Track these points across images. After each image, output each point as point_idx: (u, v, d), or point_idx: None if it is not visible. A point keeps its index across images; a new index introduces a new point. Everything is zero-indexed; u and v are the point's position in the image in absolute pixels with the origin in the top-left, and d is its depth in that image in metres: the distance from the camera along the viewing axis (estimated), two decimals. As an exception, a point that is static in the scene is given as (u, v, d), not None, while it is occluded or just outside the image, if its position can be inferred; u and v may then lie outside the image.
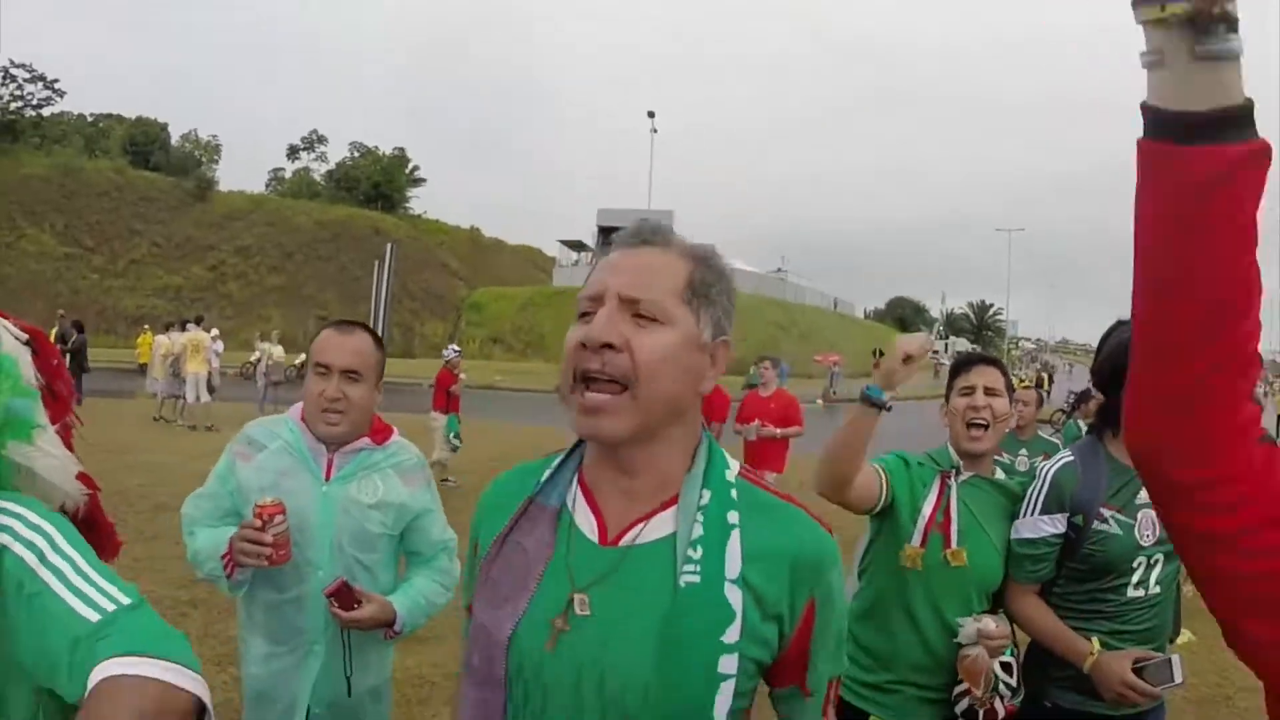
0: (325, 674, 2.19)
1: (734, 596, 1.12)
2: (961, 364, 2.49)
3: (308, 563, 2.16)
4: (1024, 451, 5.76)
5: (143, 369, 23.71)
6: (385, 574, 2.29)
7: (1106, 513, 2.21)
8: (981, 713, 2.17)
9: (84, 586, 1.08)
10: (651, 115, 38.14)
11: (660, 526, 1.17)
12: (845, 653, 1.33)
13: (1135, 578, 2.22)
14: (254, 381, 18.86)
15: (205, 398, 15.44)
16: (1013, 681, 2.20)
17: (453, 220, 73.20)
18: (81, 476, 1.38)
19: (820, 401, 33.44)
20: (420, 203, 75.85)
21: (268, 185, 75.72)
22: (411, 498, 2.29)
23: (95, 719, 0.93)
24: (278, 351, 18.42)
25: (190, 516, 2.30)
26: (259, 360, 19.27)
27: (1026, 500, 2.32)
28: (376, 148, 74.79)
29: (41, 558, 1.09)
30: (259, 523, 1.98)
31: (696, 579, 1.12)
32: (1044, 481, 2.30)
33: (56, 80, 57.49)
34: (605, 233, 57.41)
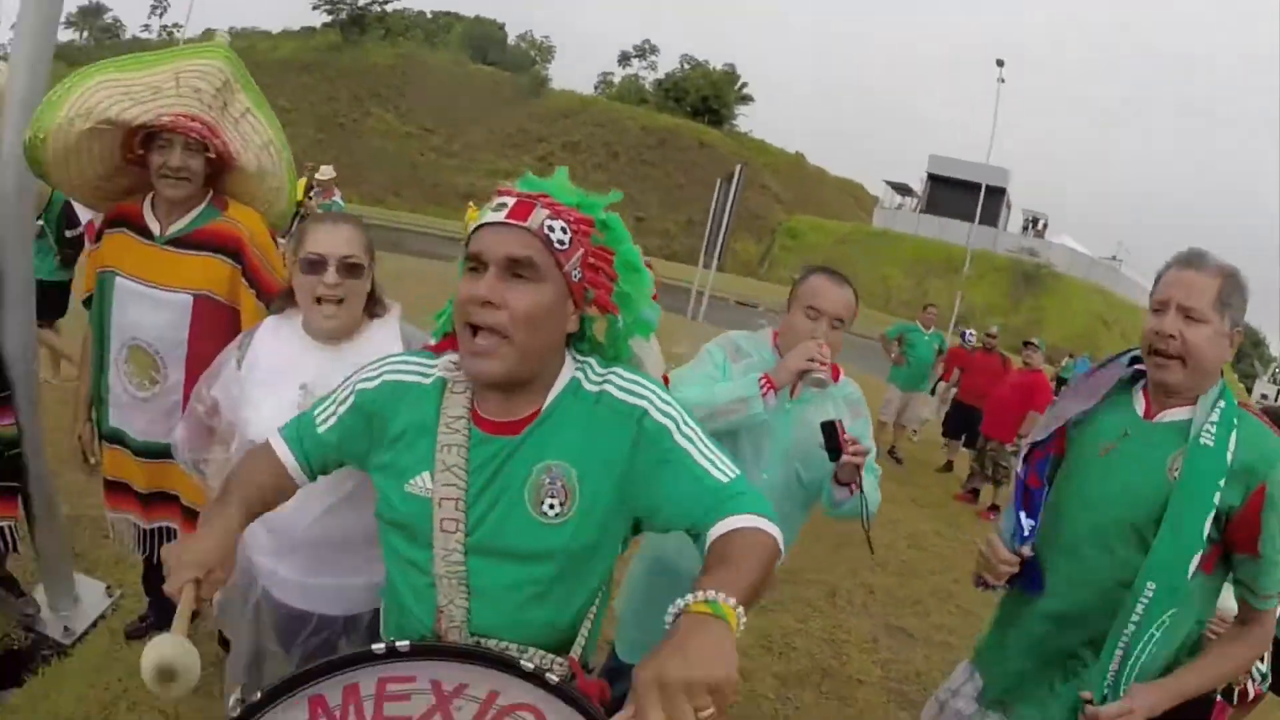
0: None
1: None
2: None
3: (757, 464, 2.54)
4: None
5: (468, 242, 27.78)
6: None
7: None
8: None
9: (711, 455, 1.49)
10: (1000, 64, 36.18)
11: (1184, 414, 2.00)
12: None
13: None
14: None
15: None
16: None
17: (777, 143, 73.70)
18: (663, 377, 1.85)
19: None
20: (746, 121, 76.83)
21: (596, 88, 79.44)
22: (850, 429, 2.52)
23: (744, 543, 1.36)
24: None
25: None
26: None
27: None
28: (707, 62, 76.31)
29: (678, 428, 1.49)
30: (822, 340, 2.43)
31: (1211, 442, 1.90)
32: None
33: (398, -25, 63.68)
34: (934, 181, 55.82)
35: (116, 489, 3.05)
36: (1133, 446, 2.03)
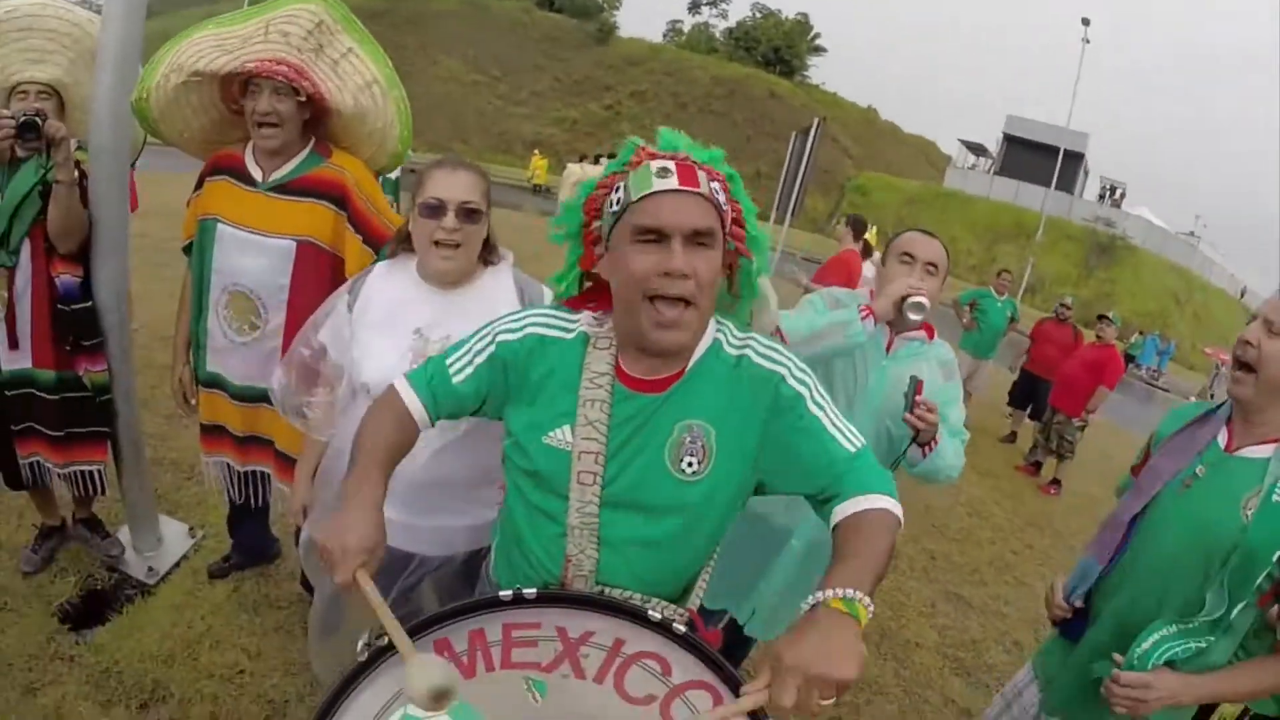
0: None
1: None
2: None
3: (849, 418, 2.71)
4: None
5: (536, 189, 30.07)
6: None
7: None
8: None
9: (840, 424, 1.56)
10: (1086, 23, 35.15)
11: (1264, 451, 1.98)
12: None
13: None
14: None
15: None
16: None
17: (849, 96, 72.44)
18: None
19: (1193, 399, 30.10)
20: (818, 73, 75.78)
21: (665, 35, 78.67)
22: (941, 390, 2.60)
23: (871, 528, 1.42)
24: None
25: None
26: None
27: None
28: (779, 10, 75.12)
29: (810, 397, 1.55)
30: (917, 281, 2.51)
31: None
32: None
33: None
34: (1010, 142, 54.54)
35: (213, 432, 3.16)
36: (1211, 481, 2.06)
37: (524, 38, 58.46)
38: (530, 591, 1.43)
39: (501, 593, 1.44)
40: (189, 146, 2.95)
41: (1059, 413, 8.92)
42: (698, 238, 1.43)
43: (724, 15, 79.77)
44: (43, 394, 3.07)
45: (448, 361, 1.69)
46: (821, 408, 1.56)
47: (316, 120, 2.84)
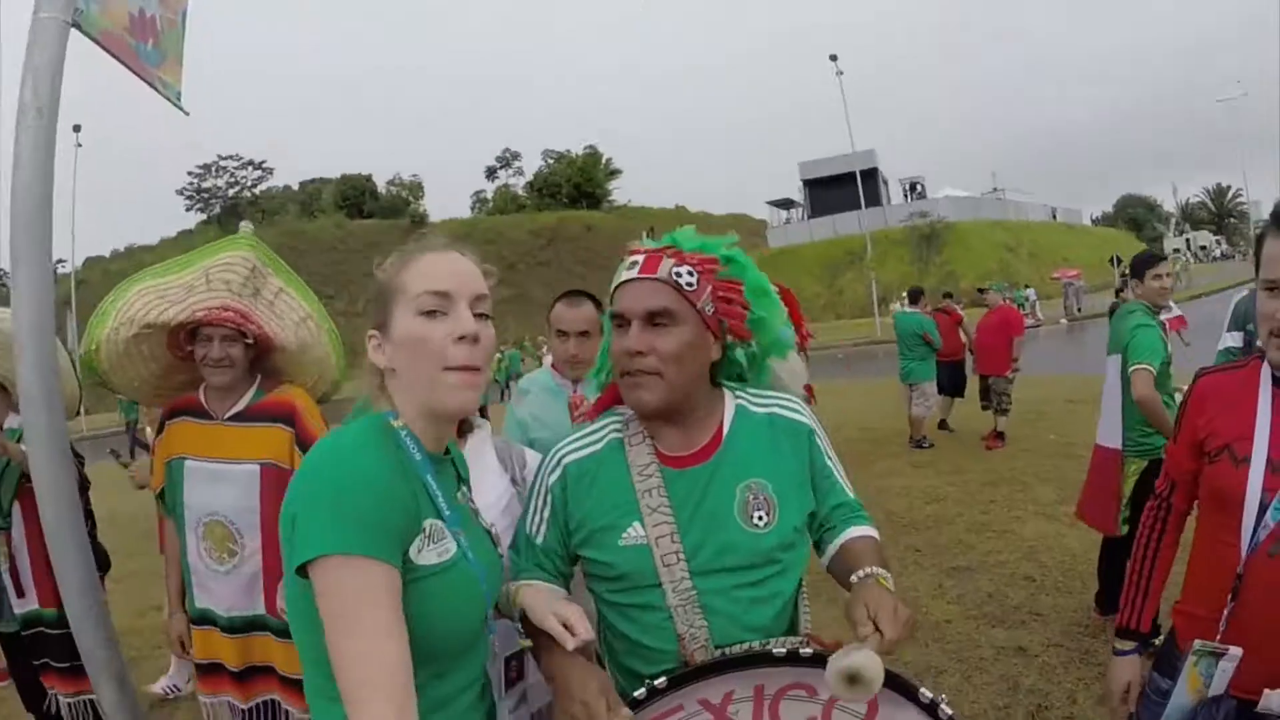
0: None
1: None
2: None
3: None
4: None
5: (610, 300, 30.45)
6: None
7: None
8: None
9: (842, 474, 1.74)
10: (834, 59, 38.15)
11: None
12: None
13: None
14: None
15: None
16: None
17: (657, 204, 75.10)
18: (806, 387, 2.07)
19: (1064, 321, 31.73)
20: (623, 193, 78.31)
21: (473, 209, 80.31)
22: None
23: (870, 543, 1.63)
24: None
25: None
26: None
27: None
28: (569, 151, 77.85)
29: (826, 449, 1.74)
30: None
31: None
32: None
33: (264, 161, 65.00)
34: (811, 185, 57.26)
35: (210, 671, 2.97)
36: None
37: (347, 251, 58.99)
38: (660, 681, 1.45)
39: (635, 693, 1.45)
40: (139, 394, 2.97)
41: (988, 377, 9.87)
42: (654, 318, 1.58)
43: (520, 172, 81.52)
44: (50, 629, 3.37)
45: (527, 533, 1.78)
46: (833, 460, 1.74)
47: (260, 357, 2.90)
